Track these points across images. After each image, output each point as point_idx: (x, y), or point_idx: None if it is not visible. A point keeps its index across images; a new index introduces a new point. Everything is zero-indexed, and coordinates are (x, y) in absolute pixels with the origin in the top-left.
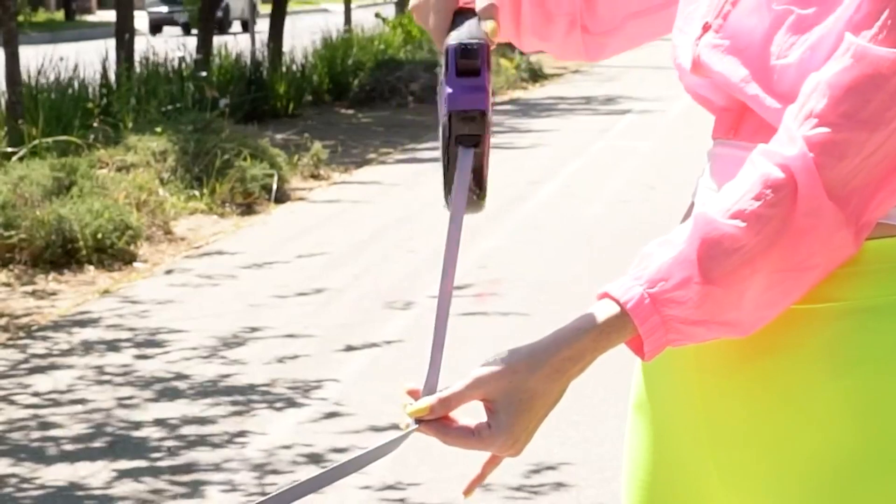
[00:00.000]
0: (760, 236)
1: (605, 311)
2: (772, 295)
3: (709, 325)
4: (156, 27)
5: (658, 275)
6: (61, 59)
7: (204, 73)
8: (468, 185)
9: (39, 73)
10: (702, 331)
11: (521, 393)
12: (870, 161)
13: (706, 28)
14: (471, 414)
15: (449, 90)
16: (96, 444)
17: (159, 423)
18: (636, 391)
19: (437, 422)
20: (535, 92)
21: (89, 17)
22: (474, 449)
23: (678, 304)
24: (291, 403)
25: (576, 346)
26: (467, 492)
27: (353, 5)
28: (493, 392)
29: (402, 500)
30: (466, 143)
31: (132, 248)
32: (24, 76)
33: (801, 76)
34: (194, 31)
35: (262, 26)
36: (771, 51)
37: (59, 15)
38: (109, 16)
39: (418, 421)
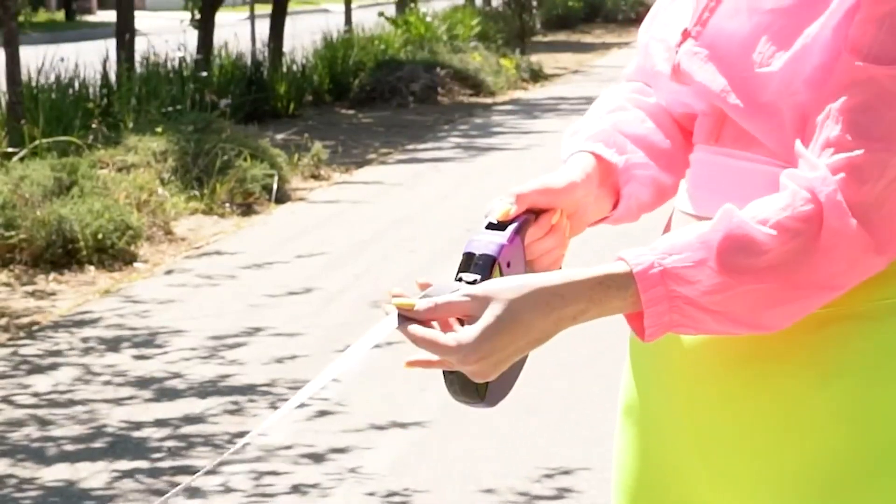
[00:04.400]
0: (787, 248)
1: (612, 267)
2: (793, 308)
3: (720, 317)
4: None
5: (673, 249)
6: (62, 59)
7: (204, 74)
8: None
9: (40, 73)
10: (709, 320)
11: (502, 310)
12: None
13: (685, 35)
14: None
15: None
16: (96, 444)
17: (159, 423)
18: (624, 395)
19: (413, 322)
20: (535, 92)
21: (90, 18)
22: (440, 351)
23: (688, 282)
24: None
25: (570, 284)
26: (409, 364)
27: (353, 5)
28: (478, 308)
29: (404, 502)
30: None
31: (132, 248)
32: (25, 76)
33: (785, 85)
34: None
35: (263, 26)
36: (753, 59)
37: (60, 15)
38: (110, 16)
39: (400, 320)
